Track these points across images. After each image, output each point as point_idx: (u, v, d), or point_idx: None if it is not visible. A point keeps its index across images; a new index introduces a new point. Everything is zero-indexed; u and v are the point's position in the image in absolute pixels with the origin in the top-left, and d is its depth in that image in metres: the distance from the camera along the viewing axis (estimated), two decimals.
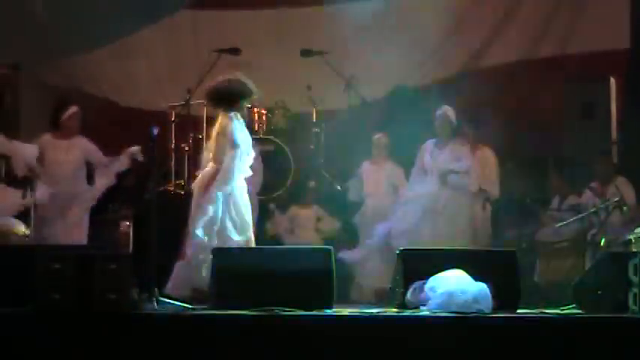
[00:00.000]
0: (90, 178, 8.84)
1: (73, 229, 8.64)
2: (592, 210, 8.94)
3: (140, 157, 8.41)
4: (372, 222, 9.45)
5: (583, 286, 6.96)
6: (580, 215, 9.05)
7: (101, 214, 9.29)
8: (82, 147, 8.75)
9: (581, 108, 10.49)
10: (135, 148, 8.47)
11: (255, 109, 9.56)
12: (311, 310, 6.19)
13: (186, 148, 9.49)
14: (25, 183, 8.47)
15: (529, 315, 6.46)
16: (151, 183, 7.12)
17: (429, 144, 9.27)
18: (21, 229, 8.28)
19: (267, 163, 9.42)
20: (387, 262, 8.81)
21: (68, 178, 8.71)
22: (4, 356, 5.72)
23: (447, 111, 9.19)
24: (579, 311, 6.77)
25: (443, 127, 9.19)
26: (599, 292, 6.69)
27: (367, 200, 9.62)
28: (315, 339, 5.86)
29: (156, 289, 6.64)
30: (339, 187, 9.93)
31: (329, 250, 6.84)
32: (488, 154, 9.58)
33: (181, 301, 6.88)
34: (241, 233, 7.29)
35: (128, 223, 8.95)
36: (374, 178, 9.67)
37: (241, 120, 7.38)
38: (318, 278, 6.54)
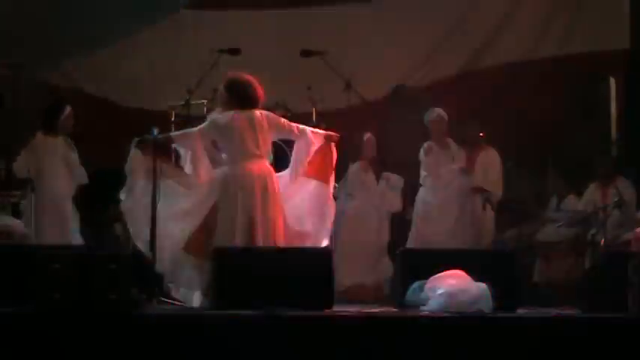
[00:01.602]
0: None
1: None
2: (592, 210, 8.95)
3: None
4: (356, 224, 9.51)
5: (583, 286, 6.97)
6: (579, 215, 9.06)
7: (100, 213, 9.31)
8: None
9: (581, 108, 10.49)
10: None
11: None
12: (311, 310, 6.19)
13: None
14: (25, 183, 8.49)
15: (529, 315, 6.47)
16: (152, 183, 7.10)
17: (433, 146, 9.35)
18: (20, 228, 8.29)
19: None
20: None
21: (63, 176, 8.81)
22: (4, 356, 5.72)
23: (442, 112, 9.32)
24: (579, 311, 6.77)
25: (441, 128, 9.31)
26: (599, 292, 6.69)
27: (352, 201, 9.62)
28: (315, 339, 5.86)
29: (156, 289, 6.65)
30: (336, 186, 9.94)
31: (329, 250, 6.85)
32: (491, 155, 9.61)
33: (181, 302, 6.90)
34: None
35: (120, 225, 8.99)
36: (362, 179, 9.70)
37: None
38: (318, 278, 6.55)
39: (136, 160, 7.12)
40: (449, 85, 10.71)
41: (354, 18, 10.85)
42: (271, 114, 7.37)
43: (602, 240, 8.41)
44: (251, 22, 10.96)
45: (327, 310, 6.35)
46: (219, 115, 7.34)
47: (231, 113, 7.24)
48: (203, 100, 9.18)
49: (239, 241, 6.95)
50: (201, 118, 9.20)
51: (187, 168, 7.21)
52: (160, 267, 6.97)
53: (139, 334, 5.86)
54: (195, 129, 7.34)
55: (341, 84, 9.85)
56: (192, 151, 7.18)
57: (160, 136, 7.21)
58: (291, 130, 7.36)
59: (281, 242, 7.07)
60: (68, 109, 8.87)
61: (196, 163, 7.18)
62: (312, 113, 9.83)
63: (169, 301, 6.83)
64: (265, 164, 7.20)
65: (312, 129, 7.48)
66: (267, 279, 6.42)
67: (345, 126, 9.89)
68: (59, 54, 10.72)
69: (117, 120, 10.64)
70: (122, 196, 7.15)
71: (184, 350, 5.81)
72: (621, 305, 6.50)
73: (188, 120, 9.28)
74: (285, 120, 7.41)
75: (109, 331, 5.83)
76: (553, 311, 6.70)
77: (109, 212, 9.39)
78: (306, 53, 9.83)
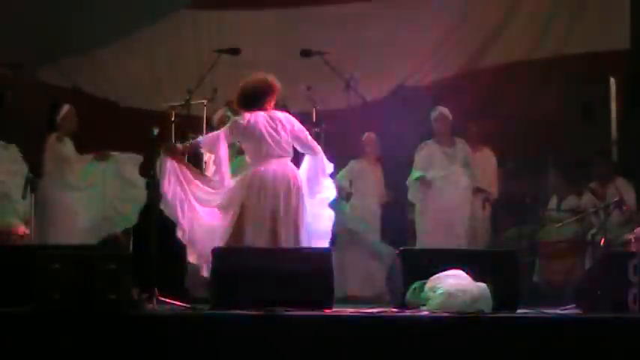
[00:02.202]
0: None
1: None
2: (592, 210, 8.94)
3: None
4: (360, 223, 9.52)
5: (583, 286, 6.97)
6: (579, 215, 9.05)
7: None
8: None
9: (581, 108, 10.49)
10: None
11: None
12: (311, 310, 6.19)
13: None
14: (25, 183, 8.48)
15: (529, 315, 6.47)
16: (151, 183, 7.11)
17: (429, 145, 9.34)
18: (20, 228, 8.30)
19: None
20: None
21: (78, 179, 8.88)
22: (4, 356, 5.72)
23: (445, 111, 9.31)
24: (579, 311, 6.77)
25: (443, 127, 9.29)
26: (599, 292, 6.69)
27: (356, 201, 9.63)
28: (315, 339, 5.86)
29: (156, 289, 6.65)
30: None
31: (329, 250, 6.85)
32: (487, 155, 9.65)
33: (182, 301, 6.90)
34: None
35: None
36: (364, 178, 9.71)
37: None
38: (318, 278, 6.55)
39: (166, 167, 7.12)
40: (449, 85, 10.71)
41: (354, 18, 10.84)
42: (298, 123, 7.36)
43: (602, 240, 8.41)
44: (251, 22, 10.96)
45: (327, 310, 6.35)
46: (239, 116, 7.33)
47: (252, 113, 7.25)
48: (203, 100, 9.17)
49: (265, 241, 7.00)
50: (201, 118, 9.25)
51: (211, 172, 7.24)
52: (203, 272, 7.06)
53: (139, 334, 5.85)
54: (219, 132, 7.34)
55: (341, 84, 9.85)
56: (216, 155, 7.19)
57: (188, 143, 7.28)
58: (310, 148, 7.36)
59: (305, 242, 7.11)
60: (65, 108, 8.92)
61: (220, 166, 7.19)
62: (312, 113, 9.85)
63: (169, 301, 6.83)
64: (288, 164, 7.23)
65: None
66: (267, 279, 6.42)
67: (345, 126, 9.92)
68: (59, 54, 10.72)
69: (117, 120, 10.64)
70: (162, 205, 7.14)
71: (184, 350, 5.80)
72: (621, 305, 6.50)
73: (188, 120, 9.30)
74: (308, 136, 7.38)
75: (109, 331, 5.83)
76: (553, 311, 6.69)
77: None
78: (306, 53, 9.83)
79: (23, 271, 6.33)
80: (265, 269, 6.50)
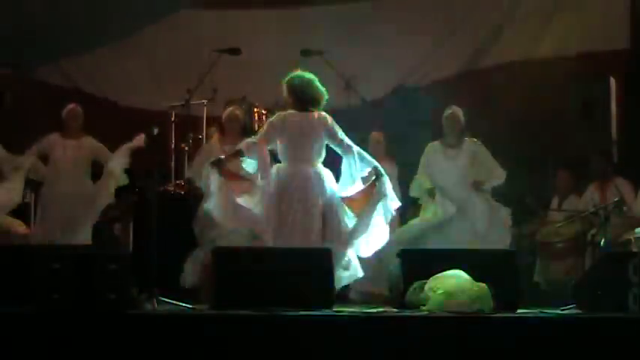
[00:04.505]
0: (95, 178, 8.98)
1: (77, 228, 8.73)
2: (592, 210, 8.94)
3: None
4: None
5: (583, 286, 6.97)
6: (579, 215, 9.05)
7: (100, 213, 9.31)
8: (89, 146, 8.91)
9: (581, 108, 10.49)
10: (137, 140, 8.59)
11: (256, 109, 9.58)
12: (311, 310, 6.19)
13: (186, 148, 9.51)
14: (26, 183, 8.50)
15: (529, 315, 6.47)
16: (151, 183, 7.11)
17: (434, 146, 9.21)
18: (20, 228, 8.30)
19: None
20: None
21: (73, 176, 8.87)
22: (4, 356, 5.72)
23: (456, 111, 9.15)
24: (579, 311, 6.77)
25: (452, 127, 9.14)
26: (599, 292, 6.69)
27: None
28: (315, 339, 5.86)
29: (156, 289, 6.65)
30: None
31: (329, 250, 6.85)
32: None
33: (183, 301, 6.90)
34: None
35: (120, 225, 9.03)
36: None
37: None
38: (318, 278, 6.55)
39: (213, 180, 7.12)
40: (449, 85, 10.71)
41: (354, 18, 10.84)
42: (330, 121, 7.34)
43: (602, 240, 8.40)
44: (251, 22, 10.96)
45: (327, 310, 6.35)
46: (274, 116, 7.39)
47: (286, 114, 7.29)
48: (203, 100, 9.18)
49: (272, 240, 7.04)
50: (201, 118, 9.26)
51: (259, 176, 7.20)
52: None
53: (139, 334, 5.86)
54: (257, 137, 7.36)
55: (341, 84, 9.85)
56: (260, 159, 7.18)
57: (230, 154, 7.24)
58: (339, 145, 7.32)
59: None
60: (69, 107, 8.97)
61: (266, 170, 7.18)
62: None
63: (169, 301, 6.83)
64: (310, 168, 7.20)
65: (360, 151, 7.40)
66: (267, 279, 6.43)
67: (345, 126, 9.91)
68: (59, 54, 10.73)
69: (117, 120, 10.64)
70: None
71: (184, 350, 5.81)
72: (621, 305, 6.50)
73: (188, 120, 9.31)
74: (340, 133, 7.35)
75: (109, 331, 5.83)
76: (553, 311, 6.69)
77: (108, 212, 9.39)
78: (306, 53, 9.83)
79: (23, 271, 6.34)
80: (265, 269, 6.50)
